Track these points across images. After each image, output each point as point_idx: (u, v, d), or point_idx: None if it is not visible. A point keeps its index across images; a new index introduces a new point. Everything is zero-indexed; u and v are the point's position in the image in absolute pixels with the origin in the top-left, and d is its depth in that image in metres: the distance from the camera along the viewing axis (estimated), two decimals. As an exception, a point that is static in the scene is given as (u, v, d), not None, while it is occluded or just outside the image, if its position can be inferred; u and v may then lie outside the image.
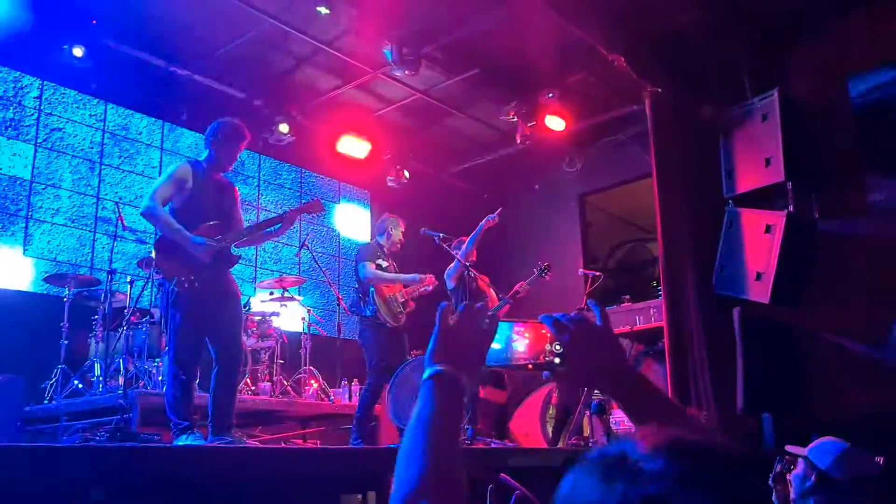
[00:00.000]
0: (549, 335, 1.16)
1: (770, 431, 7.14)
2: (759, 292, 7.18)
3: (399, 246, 6.13)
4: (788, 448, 2.61)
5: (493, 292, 6.59)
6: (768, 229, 7.24)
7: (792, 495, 2.44)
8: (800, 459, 2.44)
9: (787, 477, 2.86)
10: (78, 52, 7.02)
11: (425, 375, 1.11)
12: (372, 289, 5.90)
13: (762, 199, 7.47)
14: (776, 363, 6.98)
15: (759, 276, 7.23)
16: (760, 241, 7.28)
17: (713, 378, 7.08)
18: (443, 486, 0.98)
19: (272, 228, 4.68)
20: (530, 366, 1.20)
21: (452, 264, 6.30)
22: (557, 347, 1.15)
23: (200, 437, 4.13)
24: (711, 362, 7.12)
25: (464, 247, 6.28)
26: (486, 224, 6.26)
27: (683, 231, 7.59)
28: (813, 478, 2.33)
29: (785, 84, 7.46)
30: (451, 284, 6.37)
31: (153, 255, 4.49)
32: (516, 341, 1.21)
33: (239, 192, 4.88)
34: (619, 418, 8.05)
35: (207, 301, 4.30)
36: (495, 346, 1.19)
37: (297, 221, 9.22)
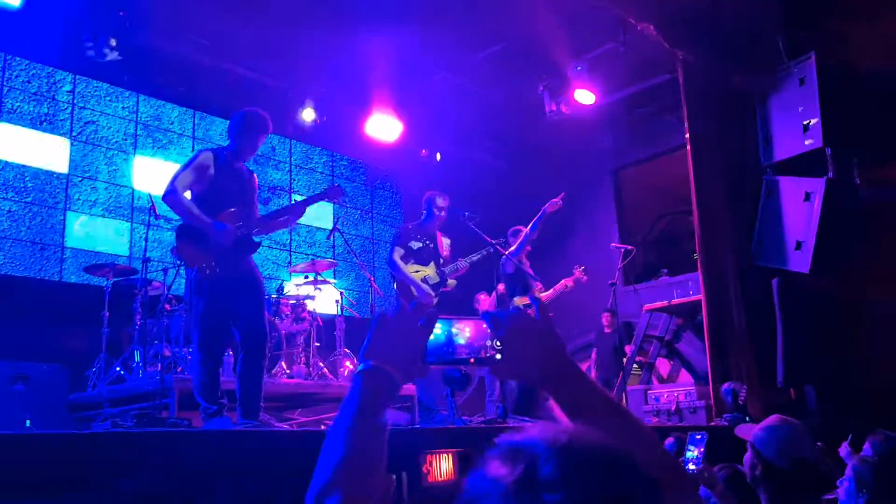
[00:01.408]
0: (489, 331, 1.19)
1: (813, 403, 7.01)
2: (799, 262, 7.02)
3: (441, 221, 6.02)
4: (737, 431, 2.49)
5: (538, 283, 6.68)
6: (807, 197, 7.05)
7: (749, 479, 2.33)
8: (748, 445, 2.32)
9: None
10: (110, 44, 7.10)
11: (357, 370, 1.13)
12: (397, 278, 5.87)
13: (800, 166, 7.27)
14: (817, 334, 6.83)
15: (798, 246, 7.06)
16: (799, 210, 7.11)
17: (753, 351, 6.95)
18: (357, 479, 0.99)
19: (284, 217, 4.70)
20: (472, 360, 1.21)
21: (514, 248, 6.30)
22: (498, 343, 1.16)
23: (229, 421, 4.19)
24: (751, 335, 6.99)
25: (525, 231, 6.29)
26: (549, 208, 6.24)
27: (720, 202, 7.44)
28: (759, 467, 2.22)
29: (822, 47, 7.23)
30: (509, 269, 6.40)
31: (175, 242, 4.52)
32: (457, 337, 1.22)
33: (258, 181, 4.89)
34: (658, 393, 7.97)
35: (230, 287, 4.32)
36: (436, 342, 1.20)
37: (335, 204, 9.38)
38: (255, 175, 4.82)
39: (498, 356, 1.15)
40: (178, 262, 6.14)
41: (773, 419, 2.30)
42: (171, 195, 4.30)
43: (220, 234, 4.27)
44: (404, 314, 1.18)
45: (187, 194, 4.39)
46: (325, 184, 9.66)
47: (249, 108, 4.71)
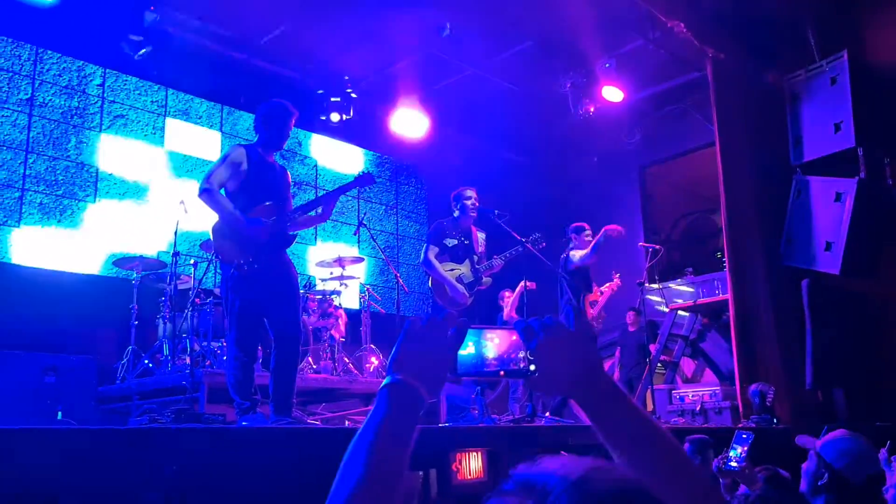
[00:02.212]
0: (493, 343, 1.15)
1: (842, 406, 6.94)
2: (829, 263, 6.95)
3: (471, 215, 5.98)
4: (799, 440, 2.50)
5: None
6: (838, 197, 6.98)
7: (802, 487, 2.35)
8: (811, 452, 2.33)
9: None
10: (140, 39, 7.15)
11: (382, 384, 1.08)
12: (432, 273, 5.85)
13: (831, 166, 7.19)
14: (847, 336, 6.76)
15: (828, 247, 6.99)
16: (830, 210, 7.03)
17: (781, 352, 6.88)
18: (376, 498, 0.96)
19: (316, 212, 4.70)
20: (502, 373, 1.18)
21: (586, 252, 6.39)
22: (531, 355, 1.11)
23: (262, 416, 4.22)
24: (779, 336, 6.93)
25: (587, 252, 6.36)
26: (608, 235, 6.23)
27: (749, 201, 7.37)
28: (826, 476, 2.23)
29: (854, 45, 7.13)
30: (571, 266, 6.43)
31: (211, 238, 4.53)
32: (486, 348, 1.18)
33: (290, 179, 4.87)
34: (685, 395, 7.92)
35: (265, 282, 4.33)
36: (466, 353, 1.16)
37: (357, 198, 9.41)
38: (287, 171, 4.83)
39: (532, 367, 1.11)
40: (209, 257, 6.19)
41: (841, 433, 2.32)
42: (206, 192, 4.31)
43: (255, 231, 4.29)
44: (434, 324, 1.13)
45: (222, 191, 4.41)
46: (351, 179, 9.67)
47: (272, 99, 4.72)
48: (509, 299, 7.74)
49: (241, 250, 4.29)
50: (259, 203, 4.41)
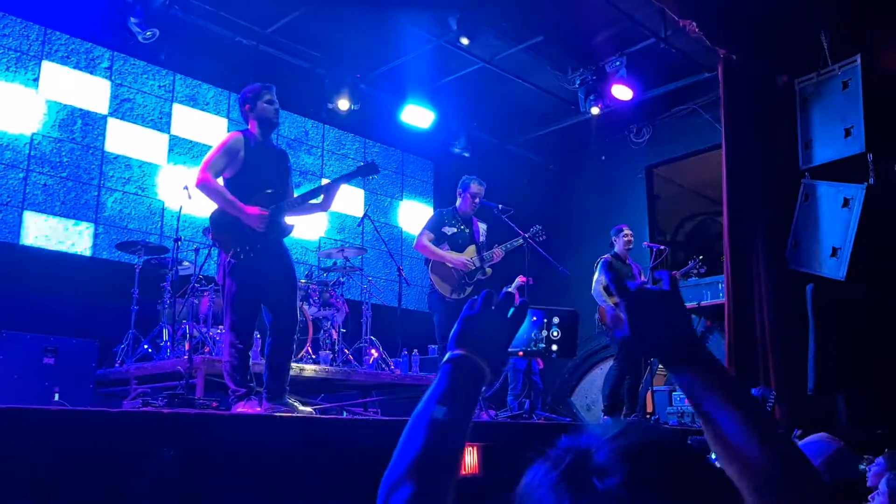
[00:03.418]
0: (539, 322, 1.15)
1: (844, 412, 6.89)
2: (835, 269, 6.91)
3: (472, 209, 5.96)
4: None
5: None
6: (846, 203, 6.93)
7: None
8: None
9: None
10: (150, 23, 7.14)
11: (444, 359, 1.09)
12: (431, 260, 5.85)
13: (840, 171, 7.14)
14: (850, 342, 6.71)
15: (835, 252, 6.95)
16: (837, 216, 6.99)
17: (783, 357, 6.84)
18: (434, 471, 0.96)
19: (317, 200, 4.66)
20: (521, 353, 1.19)
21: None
22: (555, 334, 1.13)
23: (256, 403, 4.21)
24: (782, 340, 6.89)
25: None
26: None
27: (753, 204, 7.32)
28: None
29: (868, 51, 7.07)
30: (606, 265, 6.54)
31: (210, 227, 4.52)
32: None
33: (290, 161, 4.84)
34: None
35: (263, 270, 4.33)
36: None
37: (363, 189, 9.39)
38: (287, 154, 4.80)
39: (554, 347, 1.12)
40: (211, 242, 6.18)
41: (821, 435, 2.29)
42: (203, 181, 4.30)
43: (253, 219, 4.28)
44: (494, 303, 1.15)
45: (220, 179, 4.40)
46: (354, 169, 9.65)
47: (255, 83, 4.66)
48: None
49: (239, 239, 4.28)
50: (259, 191, 4.39)
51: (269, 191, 4.41)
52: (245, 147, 4.42)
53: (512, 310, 1.14)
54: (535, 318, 1.18)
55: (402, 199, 10.19)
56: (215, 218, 4.41)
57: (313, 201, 4.65)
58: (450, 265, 5.67)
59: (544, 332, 1.16)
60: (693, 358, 1.02)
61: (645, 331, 1.04)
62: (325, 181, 4.64)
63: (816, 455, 2.20)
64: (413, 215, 10.00)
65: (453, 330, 1.12)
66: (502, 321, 1.14)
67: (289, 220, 4.52)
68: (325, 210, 4.84)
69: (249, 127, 4.59)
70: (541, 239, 5.80)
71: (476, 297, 1.15)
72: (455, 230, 5.84)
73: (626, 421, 0.80)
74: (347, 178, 4.79)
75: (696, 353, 1.02)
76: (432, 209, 10.03)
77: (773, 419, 1.08)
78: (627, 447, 0.75)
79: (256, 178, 4.42)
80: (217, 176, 4.37)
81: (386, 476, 0.96)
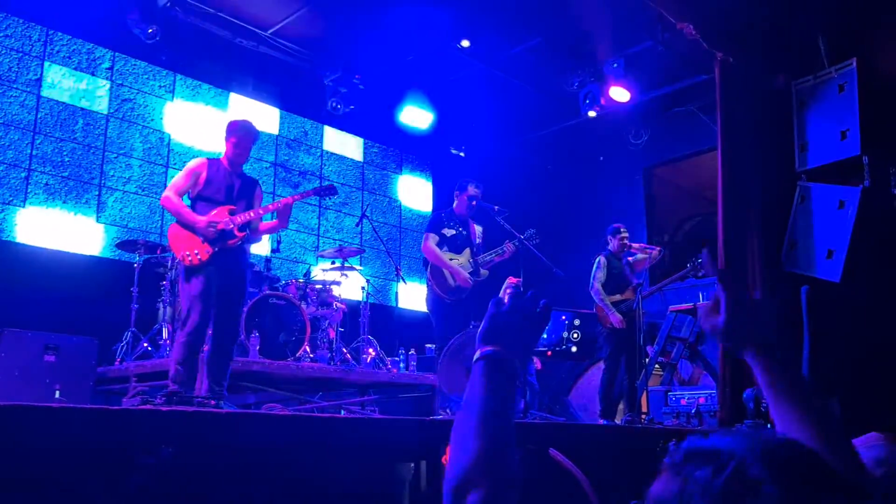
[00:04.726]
0: (566, 322, 1.18)
1: (839, 415, 6.93)
2: (830, 271, 6.94)
3: (471, 207, 6.01)
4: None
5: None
6: (841, 205, 6.97)
7: None
8: None
9: None
10: (151, 23, 7.19)
11: (476, 357, 1.11)
12: (430, 262, 5.89)
13: (836, 174, 7.18)
14: (845, 344, 6.75)
15: (830, 254, 6.98)
16: (833, 218, 7.02)
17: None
18: (495, 471, 0.97)
19: (271, 216, 5.03)
20: (549, 352, 1.22)
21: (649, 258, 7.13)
22: (575, 336, 1.17)
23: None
24: (777, 342, 6.91)
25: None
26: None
27: (749, 205, 7.35)
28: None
29: (864, 54, 7.11)
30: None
31: (168, 236, 4.90)
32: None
33: (261, 190, 5.20)
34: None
35: (214, 277, 4.68)
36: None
37: (361, 189, 9.44)
38: (258, 184, 5.18)
39: (574, 349, 1.16)
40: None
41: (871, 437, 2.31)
42: (165, 199, 4.83)
43: (203, 228, 4.67)
44: (523, 299, 1.17)
45: (185, 199, 4.86)
46: (357, 171, 9.71)
47: (241, 119, 5.16)
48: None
49: (191, 245, 4.67)
50: (217, 206, 4.80)
51: (228, 207, 4.79)
52: (207, 171, 4.89)
53: (538, 309, 1.17)
54: (564, 318, 1.22)
55: (401, 174, 10.25)
56: (171, 229, 4.82)
57: (266, 220, 5.05)
58: (448, 279, 5.73)
59: (564, 334, 1.21)
60: (774, 355, 1.11)
61: (742, 318, 1.12)
62: (281, 200, 4.91)
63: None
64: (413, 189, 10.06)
65: (481, 327, 1.15)
66: (529, 319, 1.16)
67: (240, 234, 4.82)
68: (282, 229, 5.25)
69: (224, 153, 5.02)
70: (534, 242, 5.85)
71: (501, 295, 1.19)
72: (454, 232, 5.89)
73: (762, 429, 0.82)
74: (301, 197, 5.21)
75: (776, 351, 1.11)
76: (430, 209, 10.08)
77: (838, 426, 1.09)
78: (781, 460, 0.77)
79: (216, 198, 4.84)
80: (179, 194, 4.83)
81: (448, 481, 0.98)
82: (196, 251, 4.67)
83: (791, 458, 0.77)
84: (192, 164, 5.00)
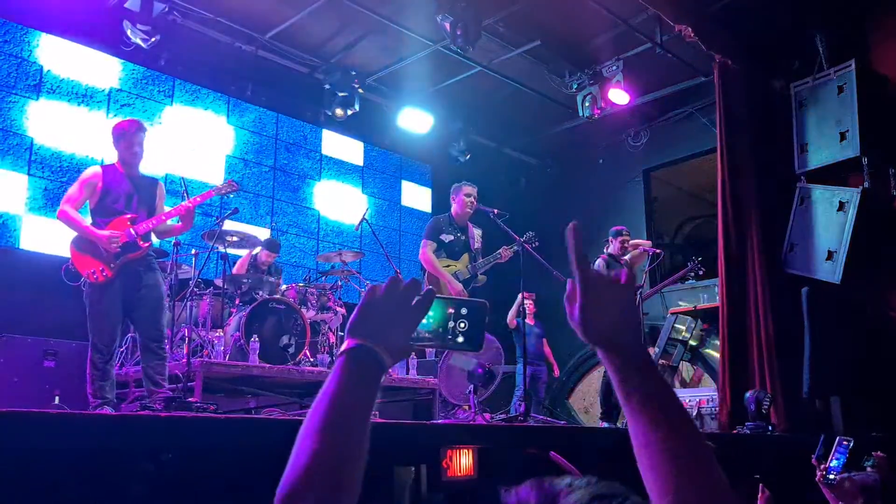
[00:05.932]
0: (451, 313, 1.07)
1: (839, 415, 6.92)
2: (830, 272, 6.95)
3: (468, 211, 5.99)
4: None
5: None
6: (841, 207, 6.97)
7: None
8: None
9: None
10: (148, 28, 7.18)
11: (340, 350, 0.99)
12: (428, 268, 5.88)
13: (836, 175, 7.19)
14: (846, 345, 6.75)
15: (830, 255, 6.99)
16: (833, 219, 7.03)
17: (778, 359, 6.88)
18: (333, 476, 0.87)
19: (176, 220, 4.95)
20: (434, 346, 1.13)
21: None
22: (462, 325, 1.07)
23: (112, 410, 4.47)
24: (777, 343, 6.92)
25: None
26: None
27: (750, 207, 7.35)
28: None
29: (863, 55, 7.12)
30: (599, 267, 6.67)
31: (69, 253, 4.75)
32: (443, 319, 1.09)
33: (163, 189, 5.08)
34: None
35: (123, 288, 4.60)
36: (426, 322, 1.08)
37: (361, 192, 9.44)
38: (158, 183, 5.07)
39: (461, 339, 1.06)
40: (210, 247, 6.24)
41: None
42: (61, 212, 4.65)
43: (104, 242, 4.56)
44: (398, 288, 1.05)
45: (84, 209, 4.73)
46: (356, 173, 9.71)
47: (121, 121, 5.04)
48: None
49: (95, 260, 4.56)
50: (118, 216, 4.67)
51: (129, 216, 4.67)
52: (103, 179, 4.72)
53: (417, 297, 1.05)
54: (451, 310, 1.11)
55: (400, 178, 10.26)
56: (73, 243, 4.69)
57: (171, 223, 4.96)
58: (444, 282, 5.71)
59: (451, 324, 1.10)
60: (632, 352, 0.97)
61: (595, 310, 0.99)
62: (182, 205, 4.84)
63: None
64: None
65: (350, 317, 1.03)
66: (407, 307, 1.03)
67: (146, 240, 4.75)
68: (186, 231, 5.12)
69: (117, 159, 4.87)
70: (534, 245, 5.84)
71: (374, 284, 1.07)
72: (452, 237, 5.87)
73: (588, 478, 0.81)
74: (203, 198, 5.09)
75: (633, 346, 0.98)
76: (429, 213, 10.08)
77: (700, 438, 0.99)
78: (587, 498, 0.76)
79: (115, 205, 4.71)
80: (76, 206, 4.69)
81: (280, 488, 0.88)
82: (101, 268, 4.56)
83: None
84: (86, 173, 4.83)
